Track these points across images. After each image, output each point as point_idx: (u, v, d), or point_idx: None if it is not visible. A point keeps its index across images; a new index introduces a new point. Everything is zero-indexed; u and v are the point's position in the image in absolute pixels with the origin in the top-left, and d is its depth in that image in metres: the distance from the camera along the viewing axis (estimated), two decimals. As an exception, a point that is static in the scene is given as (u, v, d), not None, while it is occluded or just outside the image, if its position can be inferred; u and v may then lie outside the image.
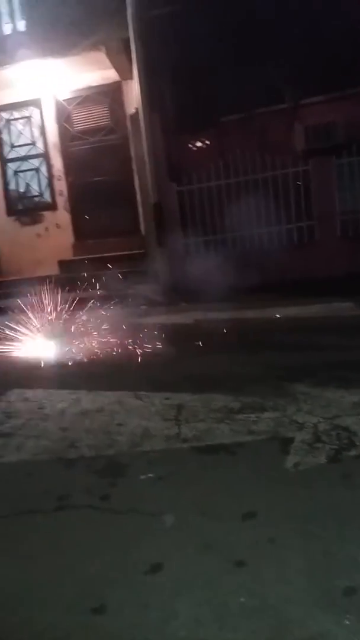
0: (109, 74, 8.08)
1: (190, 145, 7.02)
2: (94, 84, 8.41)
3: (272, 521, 1.59)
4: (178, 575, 1.42)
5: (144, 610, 1.32)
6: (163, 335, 4.50)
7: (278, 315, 4.75)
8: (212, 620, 1.26)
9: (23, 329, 4.74)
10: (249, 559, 1.44)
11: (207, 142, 6.92)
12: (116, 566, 1.49)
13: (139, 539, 1.60)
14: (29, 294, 7.42)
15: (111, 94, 8.44)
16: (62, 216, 9.05)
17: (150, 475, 1.96)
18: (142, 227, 7.88)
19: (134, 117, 7.04)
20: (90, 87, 8.47)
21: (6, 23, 8.15)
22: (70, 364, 3.76)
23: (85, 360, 3.84)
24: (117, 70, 7.81)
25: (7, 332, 4.65)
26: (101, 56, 7.45)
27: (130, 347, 4.11)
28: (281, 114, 6.67)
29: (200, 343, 4.03)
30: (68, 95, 8.70)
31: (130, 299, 6.45)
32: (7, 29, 8.14)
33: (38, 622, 1.31)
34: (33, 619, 1.33)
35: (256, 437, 2.15)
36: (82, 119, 8.70)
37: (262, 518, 1.61)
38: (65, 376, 3.39)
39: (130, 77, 7.70)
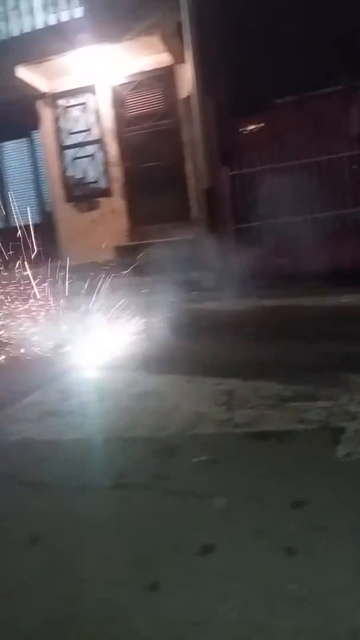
0: (163, 58, 8.05)
1: (243, 129, 6.90)
2: (148, 68, 8.40)
3: (323, 510, 1.58)
4: (229, 558, 1.45)
5: (195, 590, 1.35)
6: (215, 321, 4.51)
7: (343, 301, 4.63)
8: (262, 605, 1.28)
9: (80, 313, 4.87)
10: (299, 546, 1.45)
11: (261, 125, 6.77)
12: (169, 545, 1.53)
13: (191, 520, 1.64)
14: (87, 279, 7.62)
15: (164, 79, 8.40)
16: (117, 202, 9.17)
17: (203, 458, 1.99)
18: (194, 212, 7.87)
19: (187, 101, 7.00)
20: (143, 72, 8.47)
21: (63, 10, 8.27)
22: (124, 346, 3.84)
23: (139, 343, 3.91)
24: (171, 54, 7.76)
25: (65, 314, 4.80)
26: (155, 40, 7.42)
27: (181, 331, 4.14)
28: (337, 96, 6.43)
29: (252, 330, 4.02)
30: (122, 81, 8.74)
31: (182, 285, 6.48)
32: (65, 15, 8.27)
33: (94, 595, 1.38)
34: (89, 591, 1.39)
35: (307, 426, 2.14)
36: (136, 104, 8.73)
37: (313, 506, 1.61)
38: (120, 358, 3.47)
39: (183, 61, 7.65)
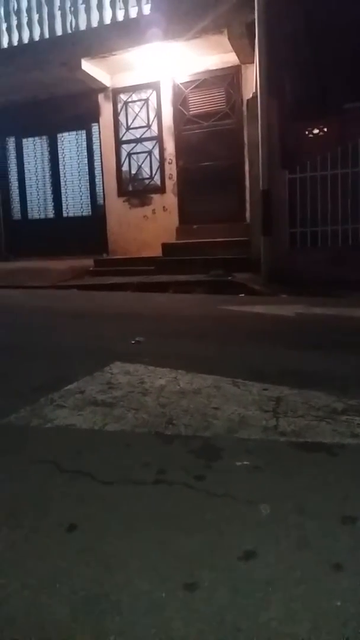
0: (229, 58, 8.03)
1: (307, 133, 6.78)
2: (213, 67, 8.40)
3: (375, 529, 1.52)
4: (272, 567, 1.40)
5: (235, 594, 1.32)
6: (262, 325, 4.45)
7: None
8: (305, 618, 1.23)
9: (124, 306, 4.91)
10: (347, 564, 1.39)
11: (326, 129, 6.64)
12: (209, 547, 1.50)
13: (233, 524, 1.60)
14: (134, 273, 7.67)
15: (229, 78, 8.39)
16: (170, 200, 9.21)
17: (247, 463, 1.95)
18: (248, 214, 7.81)
19: (251, 102, 6.94)
20: (208, 71, 8.48)
21: (132, 7, 8.36)
22: (170, 345, 3.83)
23: (183, 342, 3.89)
24: (238, 54, 7.74)
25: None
26: (222, 39, 7.41)
27: (227, 334, 4.10)
28: None
29: (302, 337, 3.94)
30: (186, 79, 8.77)
31: (230, 287, 6.43)
32: (133, 12, 8.35)
33: (133, 588, 1.36)
34: (130, 584, 1.38)
35: (360, 441, 2.06)
36: (198, 103, 8.75)
37: (364, 524, 1.54)
38: (164, 355, 3.46)
39: (250, 62, 7.60)
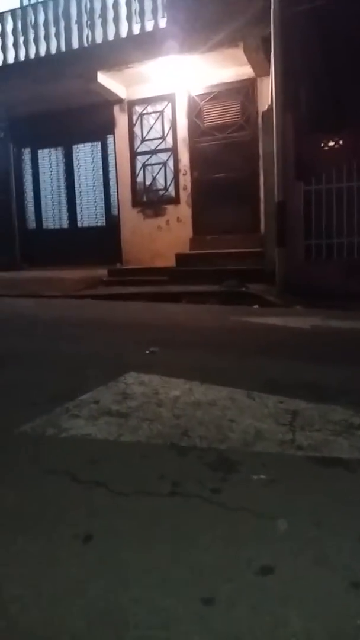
0: (244, 71, 8.10)
1: (322, 145, 6.79)
2: (228, 80, 8.48)
3: (394, 547, 1.49)
4: (290, 583, 1.39)
5: (253, 610, 1.30)
6: (277, 338, 4.43)
7: None
8: (324, 637, 1.22)
9: (137, 316, 4.91)
10: (366, 581, 1.37)
11: (341, 142, 6.65)
12: (226, 561, 1.49)
13: (250, 538, 1.58)
14: (147, 284, 7.70)
15: (244, 91, 8.45)
16: (184, 211, 9.26)
17: (263, 476, 1.93)
18: (263, 226, 7.81)
19: (266, 114, 6.98)
20: (223, 83, 8.55)
21: (149, 20, 8.47)
22: (184, 357, 3.83)
23: (198, 353, 3.89)
24: (253, 66, 7.80)
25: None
26: (238, 52, 7.48)
27: (242, 345, 4.09)
28: None
29: (318, 350, 3.91)
30: (201, 91, 8.85)
31: (244, 298, 6.43)
32: (149, 26, 8.46)
33: (150, 601, 1.35)
34: (146, 597, 1.37)
35: (379, 456, 2.04)
36: (213, 115, 8.82)
37: (383, 542, 1.52)
38: (179, 366, 3.46)
39: (266, 74, 7.65)
